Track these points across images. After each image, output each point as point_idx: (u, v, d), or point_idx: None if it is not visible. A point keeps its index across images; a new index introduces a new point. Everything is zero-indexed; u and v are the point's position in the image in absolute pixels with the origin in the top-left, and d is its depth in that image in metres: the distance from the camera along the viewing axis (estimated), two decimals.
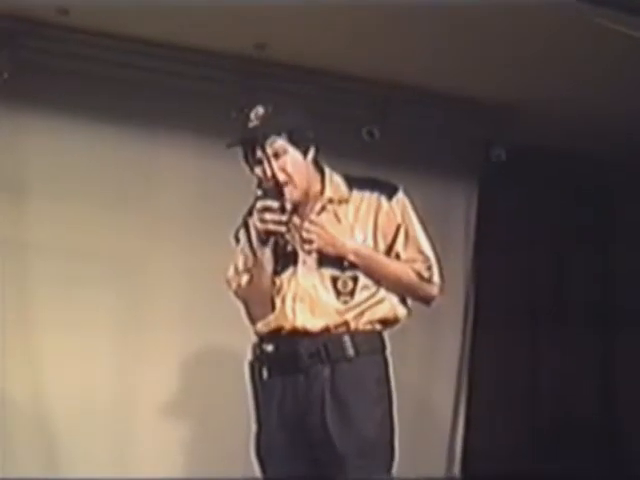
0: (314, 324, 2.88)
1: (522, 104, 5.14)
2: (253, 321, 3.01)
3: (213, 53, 4.68)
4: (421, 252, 2.97)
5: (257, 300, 2.97)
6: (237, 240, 3.02)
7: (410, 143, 5.26)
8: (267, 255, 2.90)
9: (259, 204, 2.82)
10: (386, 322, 2.97)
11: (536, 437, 5.64)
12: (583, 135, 5.30)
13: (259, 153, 2.88)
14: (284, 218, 2.82)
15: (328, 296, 2.90)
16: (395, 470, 2.92)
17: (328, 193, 2.96)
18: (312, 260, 2.92)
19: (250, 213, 2.95)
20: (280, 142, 2.89)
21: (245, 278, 2.99)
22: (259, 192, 2.86)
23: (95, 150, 4.74)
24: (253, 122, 2.92)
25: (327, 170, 3.02)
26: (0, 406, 4.49)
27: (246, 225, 2.97)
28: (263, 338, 2.96)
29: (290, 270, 2.93)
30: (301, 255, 2.93)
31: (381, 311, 2.94)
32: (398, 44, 4.52)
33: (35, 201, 4.66)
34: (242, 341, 4.93)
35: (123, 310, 4.78)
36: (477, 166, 5.64)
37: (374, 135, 5.03)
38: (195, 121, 4.83)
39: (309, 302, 2.90)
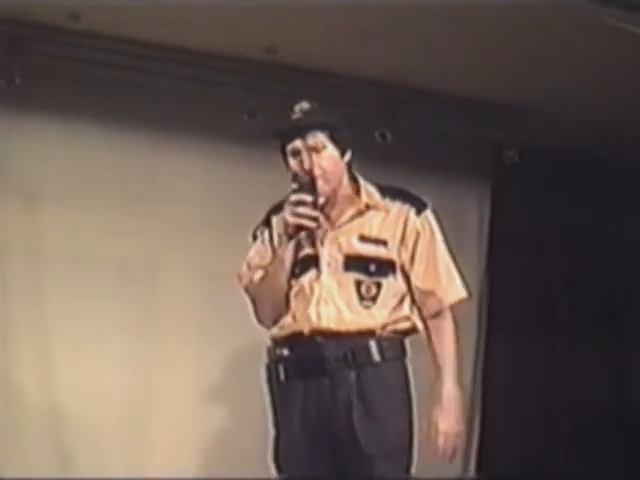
0: (340, 327, 2.86)
1: (534, 106, 5.12)
2: (261, 319, 3.01)
3: (224, 57, 4.68)
4: (438, 280, 2.98)
5: (268, 298, 2.95)
6: (255, 237, 3.03)
7: (422, 145, 5.26)
8: (288, 253, 2.89)
9: (294, 197, 2.81)
10: (407, 333, 2.99)
11: (551, 438, 5.62)
12: (596, 136, 5.28)
13: (298, 144, 2.88)
14: (316, 214, 2.81)
15: (352, 300, 2.88)
16: (412, 471, 2.93)
17: (365, 199, 2.96)
18: (338, 263, 2.90)
19: (275, 210, 2.96)
20: (321, 137, 2.88)
21: (259, 274, 2.98)
22: (294, 185, 2.85)
23: (106, 155, 4.75)
24: (297, 115, 2.92)
25: (359, 177, 3.03)
26: (14, 412, 4.50)
27: (268, 221, 2.98)
28: (280, 341, 2.94)
29: (312, 273, 2.90)
30: (326, 257, 2.90)
31: (404, 325, 2.95)
32: (409, 46, 4.52)
33: (46, 207, 4.67)
34: (255, 345, 4.95)
35: (136, 316, 4.78)
36: (490, 168, 5.63)
37: (386, 138, 5.02)
38: (207, 125, 4.84)
39: (334, 305, 2.88)
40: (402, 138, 5.03)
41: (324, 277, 2.89)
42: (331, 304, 2.87)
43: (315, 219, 2.81)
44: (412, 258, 2.96)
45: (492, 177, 5.67)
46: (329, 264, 2.90)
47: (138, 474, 4.59)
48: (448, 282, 3.01)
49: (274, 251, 2.93)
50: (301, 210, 2.79)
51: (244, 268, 3.04)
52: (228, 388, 4.83)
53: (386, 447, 2.82)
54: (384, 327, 2.90)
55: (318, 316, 2.87)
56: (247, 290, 3.03)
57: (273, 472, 4.75)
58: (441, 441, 2.89)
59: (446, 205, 5.42)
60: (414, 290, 2.97)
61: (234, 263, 4.92)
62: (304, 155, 2.87)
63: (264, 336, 4.88)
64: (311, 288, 2.89)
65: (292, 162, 2.90)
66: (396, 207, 2.98)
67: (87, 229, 4.69)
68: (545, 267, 5.85)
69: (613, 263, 6.02)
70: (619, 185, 5.91)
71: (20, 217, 4.63)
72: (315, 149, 2.88)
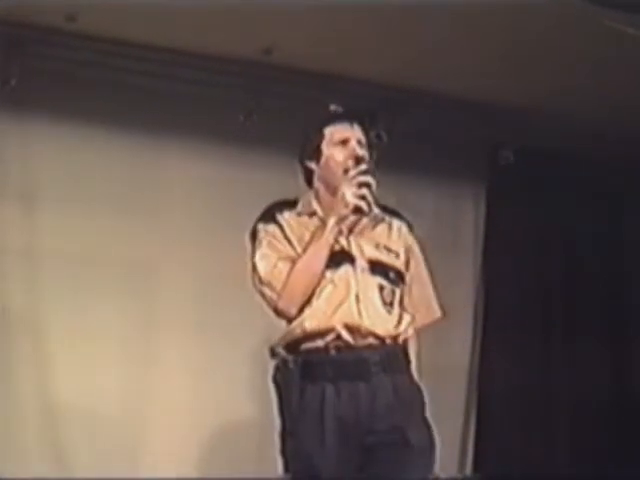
0: (377, 329, 2.85)
1: (530, 106, 5.13)
2: (286, 310, 2.89)
3: (221, 58, 4.68)
4: (422, 298, 3.04)
5: (301, 285, 2.85)
6: (253, 235, 3.00)
7: (418, 146, 5.26)
8: (332, 238, 2.85)
9: (362, 178, 2.80)
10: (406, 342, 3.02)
11: (548, 438, 5.62)
12: (593, 137, 5.29)
13: (349, 134, 2.93)
14: (373, 201, 2.82)
15: (378, 304, 2.88)
16: None
17: (375, 210, 2.96)
18: (365, 264, 2.89)
19: (272, 209, 2.97)
20: (364, 135, 2.97)
21: (282, 264, 2.89)
22: (363, 166, 2.83)
23: (104, 157, 4.74)
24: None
25: None
26: (12, 412, 4.50)
27: (273, 219, 2.96)
28: (304, 337, 2.86)
29: (345, 267, 2.87)
30: (356, 256, 2.90)
31: (406, 335, 2.98)
32: (405, 47, 4.53)
33: (44, 209, 4.67)
34: (254, 346, 4.97)
35: (134, 317, 4.77)
36: (485, 169, 5.64)
37: (382, 139, 5.02)
38: (204, 127, 4.85)
39: (368, 305, 2.86)
40: (398, 139, 5.04)
41: (358, 275, 2.88)
42: (367, 304, 2.86)
43: (370, 205, 2.81)
44: (408, 272, 3.01)
45: (487, 178, 5.67)
46: (360, 265, 2.89)
47: (136, 474, 4.60)
48: (427, 302, 3.08)
49: (289, 244, 2.90)
50: (366, 192, 2.78)
51: (262, 261, 2.95)
52: (227, 389, 4.82)
53: (423, 447, 2.86)
54: (404, 334, 2.94)
55: (359, 314, 2.84)
56: (271, 281, 2.91)
57: (271, 470, 4.80)
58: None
59: (441, 206, 5.49)
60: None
61: (232, 265, 4.96)
62: (354, 145, 2.91)
63: (263, 337, 4.91)
64: (345, 284, 2.85)
65: (336, 150, 2.91)
66: (394, 221, 3.04)
67: (85, 231, 4.68)
68: (541, 268, 5.85)
69: (611, 264, 6.03)
70: (617, 185, 5.91)
71: (18, 219, 4.63)
72: (360, 143, 2.94)
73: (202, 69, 4.69)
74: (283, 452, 2.90)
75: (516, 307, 5.66)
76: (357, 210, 2.81)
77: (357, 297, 2.84)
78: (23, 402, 4.55)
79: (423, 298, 3.06)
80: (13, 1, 4.10)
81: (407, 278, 2.99)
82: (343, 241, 2.90)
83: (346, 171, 2.87)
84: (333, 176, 2.92)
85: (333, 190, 2.90)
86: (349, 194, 2.79)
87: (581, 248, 5.95)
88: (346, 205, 2.80)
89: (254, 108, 4.73)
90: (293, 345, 2.89)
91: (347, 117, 2.96)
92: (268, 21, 4.26)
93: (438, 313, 3.12)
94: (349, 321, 2.83)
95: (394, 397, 2.83)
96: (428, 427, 2.90)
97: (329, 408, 2.80)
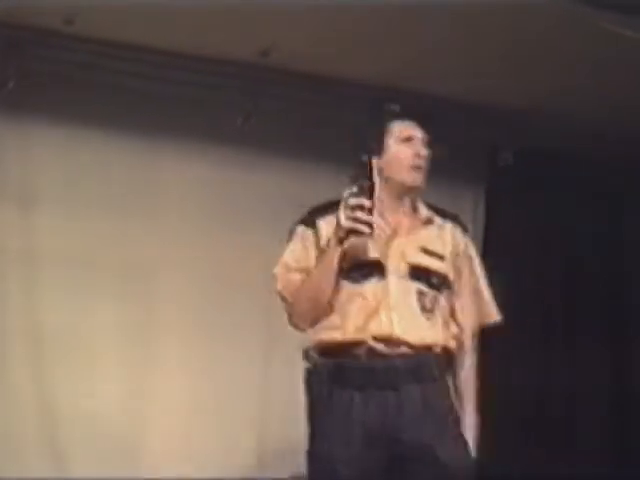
0: (408, 338, 2.81)
1: (530, 107, 5.13)
2: (296, 322, 2.91)
3: (218, 61, 4.69)
4: (477, 302, 3.01)
5: (310, 301, 2.85)
6: (290, 234, 2.96)
7: None
8: (337, 257, 2.80)
9: (353, 200, 2.75)
10: (451, 351, 2.96)
11: (546, 438, 5.62)
12: (593, 138, 5.28)
13: (415, 133, 2.95)
14: (372, 220, 2.75)
15: (415, 311, 2.84)
16: None
17: (424, 212, 2.97)
18: (403, 271, 2.86)
19: (319, 212, 2.92)
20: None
21: (298, 276, 2.88)
22: (354, 189, 2.78)
23: (102, 159, 4.75)
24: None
25: None
26: (10, 414, 4.51)
27: (313, 223, 2.91)
28: (333, 347, 2.84)
29: (376, 278, 2.84)
30: (393, 263, 2.86)
31: (452, 344, 2.93)
32: (402, 49, 4.52)
33: (43, 211, 4.68)
34: (254, 346, 4.98)
35: (133, 319, 4.78)
36: (484, 170, 5.63)
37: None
38: (202, 129, 4.85)
39: (402, 314, 2.82)
40: None
41: (392, 284, 2.84)
42: (401, 312, 2.82)
43: (370, 225, 2.75)
44: (457, 278, 2.96)
45: (486, 179, 5.67)
46: (396, 271, 2.85)
47: (136, 474, 4.62)
48: (484, 306, 3.03)
49: (320, 253, 2.85)
50: (358, 214, 2.73)
51: (280, 269, 2.93)
52: (226, 389, 4.83)
53: (457, 461, 2.80)
54: (443, 342, 2.88)
55: (391, 324, 2.80)
56: (282, 292, 2.92)
57: (271, 470, 4.81)
58: None
59: (441, 207, 5.47)
60: (452, 310, 2.96)
61: (230, 266, 4.96)
62: (418, 143, 2.94)
63: (262, 337, 4.92)
64: (378, 295, 2.82)
65: (401, 147, 2.93)
66: (447, 225, 3.00)
67: (83, 233, 4.69)
68: (541, 269, 5.85)
69: (611, 264, 6.02)
70: (617, 185, 5.91)
71: (16, 221, 4.63)
72: (424, 143, 2.97)
73: (200, 71, 4.69)
74: (310, 454, 2.88)
75: (516, 307, 5.65)
76: (353, 232, 2.76)
77: (389, 306, 2.81)
78: (22, 402, 4.56)
79: (479, 302, 3.01)
80: (11, 3, 4.10)
81: (457, 283, 2.95)
82: (374, 252, 2.85)
83: (410, 167, 2.92)
84: (397, 171, 2.93)
85: (391, 186, 2.92)
86: (342, 217, 2.76)
87: (581, 248, 5.94)
88: (339, 227, 2.77)
89: (252, 110, 4.73)
90: (325, 350, 2.88)
91: (411, 116, 2.98)
92: (265, 23, 4.26)
93: (496, 316, 3.07)
94: (379, 332, 2.80)
95: (423, 408, 2.79)
96: (463, 444, 2.85)
97: (356, 414, 2.78)
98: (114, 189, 4.78)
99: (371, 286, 2.83)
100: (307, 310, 2.86)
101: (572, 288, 5.88)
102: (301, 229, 2.94)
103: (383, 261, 2.85)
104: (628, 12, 3.89)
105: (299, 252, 2.91)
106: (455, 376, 2.96)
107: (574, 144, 5.44)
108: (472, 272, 3.02)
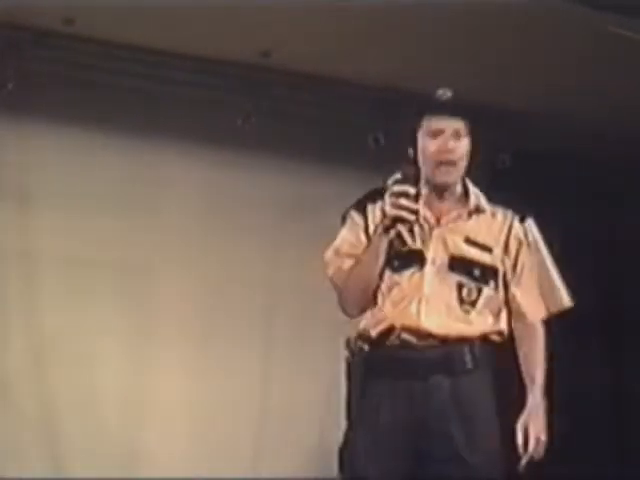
0: (439, 330, 2.76)
1: (530, 108, 5.13)
2: (346, 308, 2.86)
3: (219, 61, 4.69)
4: (539, 290, 2.94)
5: (358, 288, 2.81)
6: (344, 220, 2.91)
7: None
8: (384, 245, 2.76)
9: (396, 188, 2.70)
10: (499, 344, 2.89)
11: (548, 439, 5.60)
12: (591, 137, 5.28)
13: (444, 125, 2.84)
14: (417, 207, 2.71)
15: (453, 303, 2.79)
16: None
17: (474, 201, 2.90)
18: (443, 262, 2.80)
19: (371, 197, 2.86)
20: (463, 125, 2.86)
21: (348, 263, 2.84)
22: (398, 175, 2.74)
23: (100, 159, 4.75)
24: (443, 97, 2.91)
25: (467, 179, 2.96)
26: (9, 415, 4.51)
27: (364, 209, 2.86)
28: (368, 336, 2.81)
29: (414, 268, 2.79)
30: (432, 254, 2.81)
31: (497, 339, 2.86)
32: (402, 50, 4.53)
33: (41, 211, 4.68)
34: (252, 346, 4.97)
35: (131, 319, 4.78)
36: (482, 172, 5.61)
37: (379, 141, 5.02)
38: (202, 129, 4.85)
39: (436, 306, 2.77)
40: (396, 142, 5.02)
41: (428, 275, 2.79)
42: (433, 304, 2.77)
43: (415, 212, 2.71)
44: (514, 266, 2.89)
45: (485, 181, 5.65)
46: (433, 261, 2.80)
47: (136, 474, 4.62)
48: (550, 292, 2.97)
49: (369, 240, 2.80)
50: (403, 202, 2.68)
51: (331, 254, 2.88)
52: (226, 389, 4.83)
53: (484, 456, 2.74)
54: (480, 336, 2.81)
55: (418, 315, 2.76)
56: (333, 278, 2.87)
57: (271, 470, 4.80)
58: (532, 446, 2.87)
59: None
60: (511, 299, 2.89)
61: (230, 265, 4.95)
62: (447, 137, 2.82)
63: (261, 336, 4.92)
64: (413, 285, 2.78)
65: (429, 142, 2.83)
66: (500, 213, 2.93)
67: (83, 233, 4.70)
68: None
69: (610, 265, 6.02)
70: (617, 185, 5.90)
71: (16, 220, 4.64)
72: (458, 134, 2.84)
73: (200, 72, 4.70)
74: (344, 444, 2.85)
75: None
76: (398, 220, 2.72)
77: (421, 297, 2.77)
78: (22, 403, 4.57)
79: (546, 288, 2.94)
80: (11, 3, 4.10)
81: (515, 272, 2.87)
82: (416, 241, 2.80)
83: (435, 163, 2.82)
84: (425, 167, 2.84)
85: (426, 180, 2.85)
86: (387, 204, 2.71)
87: (581, 249, 5.93)
88: (385, 215, 2.73)
89: (252, 110, 4.74)
90: (363, 339, 2.85)
91: (447, 106, 2.87)
92: (266, 24, 4.26)
93: (567, 303, 3.02)
94: (408, 323, 2.76)
95: (451, 401, 2.74)
96: (493, 442, 2.79)
97: (386, 405, 2.76)
98: (113, 189, 4.78)
99: (408, 276, 2.79)
100: (355, 298, 2.82)
101: (572, 288, 5.87)
102: (353, 214, 2.90)
103: (424, 250, 2.80)
104: (628, 13, 3.89)
105: (350, 238, 2.87)
106: (522, 359, 2.94)
107: (575, 144, 5.43)
108: (535, 258, 2.94)
